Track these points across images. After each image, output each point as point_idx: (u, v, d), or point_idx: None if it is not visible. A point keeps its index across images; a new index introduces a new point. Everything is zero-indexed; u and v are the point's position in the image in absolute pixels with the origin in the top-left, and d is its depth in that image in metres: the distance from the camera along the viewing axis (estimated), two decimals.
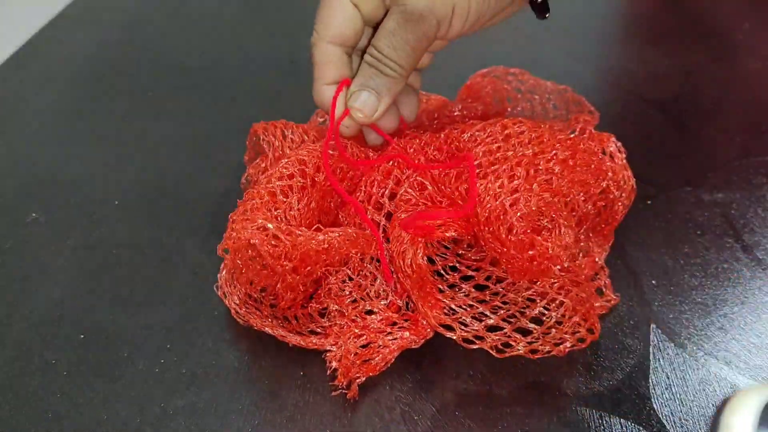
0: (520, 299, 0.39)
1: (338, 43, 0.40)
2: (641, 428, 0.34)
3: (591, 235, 0.43)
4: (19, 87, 0.62)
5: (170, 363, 0.38)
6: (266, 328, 0.39)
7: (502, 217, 0.37)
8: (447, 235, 0.38)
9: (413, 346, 0.38)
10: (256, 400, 0.37)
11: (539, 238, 0.36)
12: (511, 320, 0.38)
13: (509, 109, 0.51)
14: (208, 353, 0.39)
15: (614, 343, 0.39)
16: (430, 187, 0.40)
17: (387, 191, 0.40)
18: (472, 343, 0.37)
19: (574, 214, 0.40)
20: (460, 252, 0.41)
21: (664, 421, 0.34)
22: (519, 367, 0.38)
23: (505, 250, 0.36)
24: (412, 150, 0.42)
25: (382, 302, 0.39)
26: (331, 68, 0.40)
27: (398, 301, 0.39)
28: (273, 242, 0.36)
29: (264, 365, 0.38)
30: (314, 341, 0.38)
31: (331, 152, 0.41)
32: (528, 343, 0.37)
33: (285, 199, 0.38)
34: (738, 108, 0.57)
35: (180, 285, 0.43)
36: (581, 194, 0.40)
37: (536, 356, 0.37)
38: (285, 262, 0.37)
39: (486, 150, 0.40)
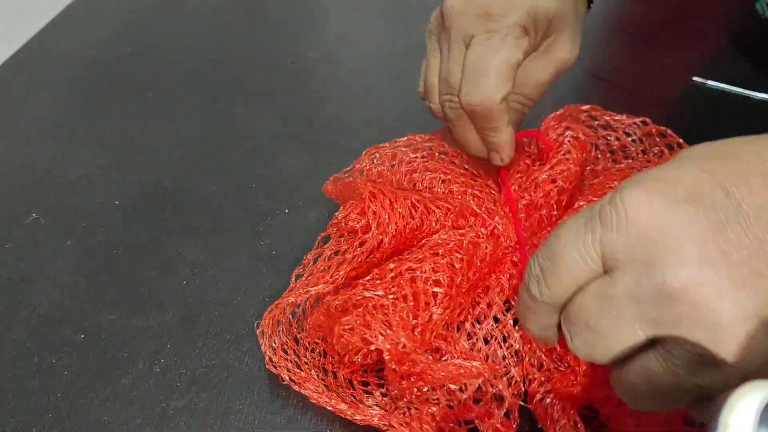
0: None
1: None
2: None
3: None
4: (19, 87, 0.62)
5: (170, 363, 0.38)
6: (306, 389, 0.36)
7: None
8: None
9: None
10: (257, 400, 0.37)
11: None
12: None
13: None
14: (208, 353, 0.39)
15: None
16: None
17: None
18: None
19: None
20: None
21: None
22: None
23: None
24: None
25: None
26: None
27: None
28: (402, 362, 0.33)
29: (264, 365, 0.38)
30: (375, 415, 0.34)
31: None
32: None
33: (430, 308, 0.35)
34: (737, 108, 0.57)
35: (180, 285, 0.43)
36: None
37: None
38: (403, 381, 0.34)
39: None
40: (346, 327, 0.34)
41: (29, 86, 0.62)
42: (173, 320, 0.41)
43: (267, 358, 0.37)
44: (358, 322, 0.34)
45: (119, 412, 0.36)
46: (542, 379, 0.35)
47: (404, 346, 0.33)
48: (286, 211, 0.48)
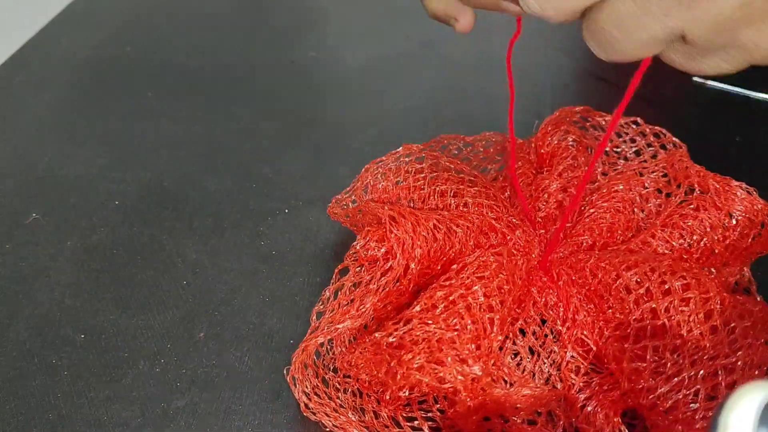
0: None
1: None
2: None
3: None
4: (19, 87, 0.62)
5: (171, 363, 0.38)
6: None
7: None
8: None
9: None
10: (257, 400, 0.37)
11: None
12: None
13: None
14: (209, 353, 0.39)
15: None
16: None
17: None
18: None
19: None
20: None
21: None
22: None
23: None
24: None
25: None
26: None
27: None
28: (475, 396, 0.32)
29: (265, 365, 0.38)
30: None
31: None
32: None
33: (489, 336, 0.34)
34: (737, 108, 0.57)
35: (180, 285, 0.43)
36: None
37: None
38: (473, 416, 0.33)
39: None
40: (414, 366, 0.32)
41: (29, 86, 0.62)
42: (173, 320, 0.41)
43: (302, 405, 0.35)
44: (422, 359, 0.32)
45: (119, 411, 0.36)
46: (581, 384, 0.35)
47: (478, 380, 0.32)
48: (286, 211, 0.48)
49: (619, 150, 0.49)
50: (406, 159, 0.44)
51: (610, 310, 0.36)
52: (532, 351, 0.37)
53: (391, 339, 0.34)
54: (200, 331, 0.40)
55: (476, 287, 0.35)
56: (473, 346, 0.33)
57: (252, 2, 0.76)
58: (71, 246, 0.46)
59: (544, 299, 0.38)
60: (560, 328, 0.37)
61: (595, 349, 0.36)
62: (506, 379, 0.35)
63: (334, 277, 0.39)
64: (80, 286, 0.43)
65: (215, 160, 0.53)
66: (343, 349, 0.37)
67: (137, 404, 0.36)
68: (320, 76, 0.64)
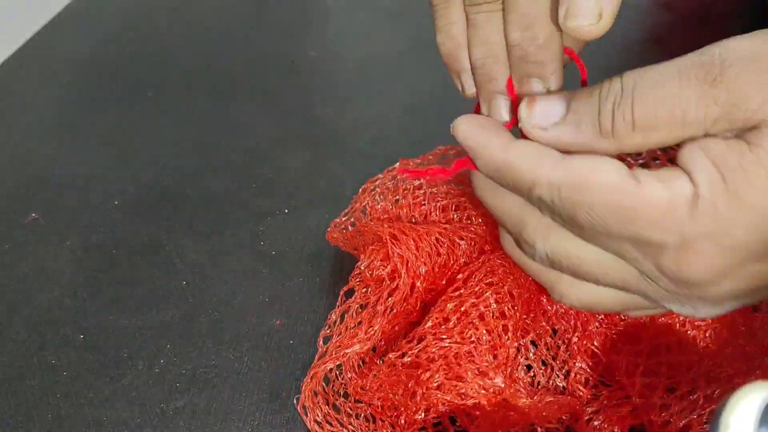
0: None
1: None
2: None
3: None
4: (19, 87, 0.62)
5: (170, 363, 0.38)
6: None
7: None
8: None
9: None
10: (256, 400, 0.36)
11: None
12: None
13: None
14: (208, 353, 0.39)
15: None
16: None
17: None
18: None
19: None
20: None
21: None
22: None
23: None
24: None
25: None
26: None
27: None
28: (498, 409, 0.31)
29: (264, 365, 0.38)
30: None
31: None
32: None
33: (504, 343, 0.33)
34: None
35: (180, 285, 0.43)
36: None
37: None
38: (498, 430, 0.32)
39: None
40: (434, 384, 0.31)
41: (29, 86, 0.62)
42: (173, 320, 0.41)
43: None
44: (441, 377, 0.32)
45: (119, 412, 0.36)
46: (589, 396, 0.33)
47: (501, 392, 0.31)
48: (286, 211, 0.48)
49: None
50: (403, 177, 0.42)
51: (623, 322, 0.35)
52: (544, 363, 0.36)
53: (406, 359, 0.33)
54: (200, 330, 0.40)
55: (487, 293, 0.34)
56: (491, 356, 0.32)
57: (252, 2, 0.76)
58: (71, 246, 0.46)
59: (555, 307, 0.37)
60: (571, 337, 0.36)
61: (605, 360, 0.34)
62: (523, 390, 0.34)
63: (339, 299, 0.38)
64: (80, 285, 0.43)
65: (215, 160, 0.53)
66: (353, 374, 0.35)
67: (136, 404, 0.36)
68: (320, 76, 0.64)
